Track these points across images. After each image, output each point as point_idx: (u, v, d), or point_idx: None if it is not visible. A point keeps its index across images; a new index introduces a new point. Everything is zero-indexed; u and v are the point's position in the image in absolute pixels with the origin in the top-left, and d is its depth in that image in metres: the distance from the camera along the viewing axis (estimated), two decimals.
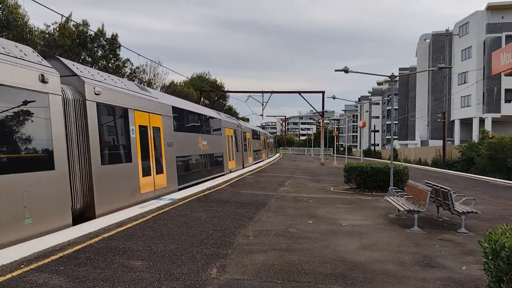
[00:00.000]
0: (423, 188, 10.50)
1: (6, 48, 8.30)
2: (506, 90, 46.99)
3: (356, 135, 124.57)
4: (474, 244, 8.09)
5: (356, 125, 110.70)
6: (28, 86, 8.32)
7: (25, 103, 8.33)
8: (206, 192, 14.97)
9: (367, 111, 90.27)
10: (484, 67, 47.87)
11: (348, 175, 17.92)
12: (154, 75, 47.17)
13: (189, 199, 13.24)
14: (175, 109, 17.31)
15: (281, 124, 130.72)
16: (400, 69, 78.76)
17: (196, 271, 6.12)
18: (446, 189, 9.97)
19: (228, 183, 18.57)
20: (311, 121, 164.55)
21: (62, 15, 24.38)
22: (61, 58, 10.95)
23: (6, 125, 7.79)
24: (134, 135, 13.06)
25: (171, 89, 48.39)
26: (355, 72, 17.09)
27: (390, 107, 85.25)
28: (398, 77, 22.69)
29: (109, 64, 38.12)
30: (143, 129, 13.74)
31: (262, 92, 47.40)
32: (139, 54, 44.13)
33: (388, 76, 16.00)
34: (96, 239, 7.72)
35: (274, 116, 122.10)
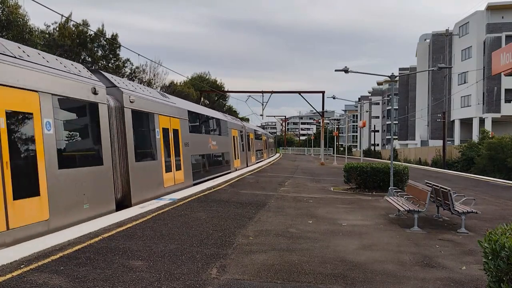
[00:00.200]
0: (423, 188, 10.50)
1: (67, 67, 10.18)
2: (506, 90, 46.99)
3: (356, 135, 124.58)
4: (474, 244, 8.09)
5: (356, 125, 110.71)
6: (84, 98, 10.35)
7: (83, 111, 10.44)
8: (206, 192, 14.97)
9: (367, 111, 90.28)
10: (484, 67, 47.87)
11: (348, 175, 17.92)
12: (154, 75, 47.17)
13: (189, 199, 13.24)
14: (189, 113, 19.19)
15: (281, 124, 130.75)
16: (400, 69, 78.76)
17: (196, 271, 6.12)
18: (446, 189, 9.97)
19: (228, 183, 18.57)
20: (311, 121, 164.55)
21: (62, 15, 24.41)
22: (103, 72, 13.16)
23: (71, 129, 10.00)
24: (159, 136, 15.00)
25: (171, 89, 48.38)
26: (355, 72, 17.09)
27: (390, 107, 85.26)
28: (398, 77, 22.70)
29: (109, 64, 38.11)
30: (165, 131, 15.61)
31: (262, 92, 47.42)
32: (139, 54, 44.17)
33: (388, 76, 16.00)
34: (96, 239, 7.72)
35: (274, 116, 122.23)
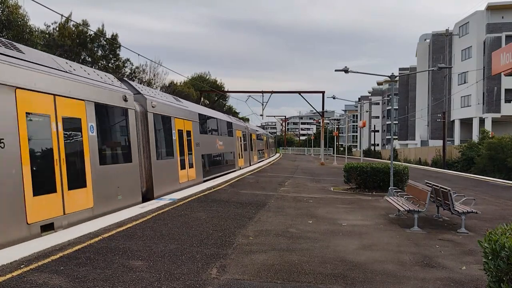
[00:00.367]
0: (423, 188, 10.50)
1: (103, 78, 11.93)
2: (506, 90, 46.98)
3: (356, 135, 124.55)
4: (474, 244, 8.09)
5: (356, 125, 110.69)
6: (117, 104, 12.02)
7: (116, 116, 12.16)
8: (206, 192, 14.97)
9: (367, 111, 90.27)
10: (484, 67, 47.86)
11: (348, 175, 17.92)
12: (154, 75, 47.18)
13: (189, 199, 13.24)
14: (200, 115, 20.82)
15: (281, 124, 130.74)
16: (400, 69, 78.74)
17: (196, 271, 6.12)
18: (446, 189, 9.97)
19: (228, 183, 18.57)
20: (311, 121, 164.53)
21: (62, 15, 24.39)
22: (128, 81, 14.98)
23: (109, 131, 11.74)
24: (175, 137, 16.64)
25: (171, 89, 48.37)
26: (355, 72, 17.09)
27: (390, 107, 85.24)
28: (398, 77, 22.70)
29: (109, 64, 38.11)
30: (180, 133, 17.26)
31: (262, 92, 47.41)
32: (139, 54, 44.20)
33: (388, 76, 16.00)
34: (96, 239, 7.72)
35: (274, 116, 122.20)
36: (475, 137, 44.81)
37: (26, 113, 8.28)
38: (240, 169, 29.69)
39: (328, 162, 45.45)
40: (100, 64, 37.29)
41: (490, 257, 4.19)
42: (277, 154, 71.32)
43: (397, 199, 11.57)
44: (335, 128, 69.37)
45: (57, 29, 34.63)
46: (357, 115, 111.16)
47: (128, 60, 40.75)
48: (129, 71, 41.76)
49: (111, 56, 38.46)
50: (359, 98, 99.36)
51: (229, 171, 26.09)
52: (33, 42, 26.57)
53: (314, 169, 33.62)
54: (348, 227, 9.68)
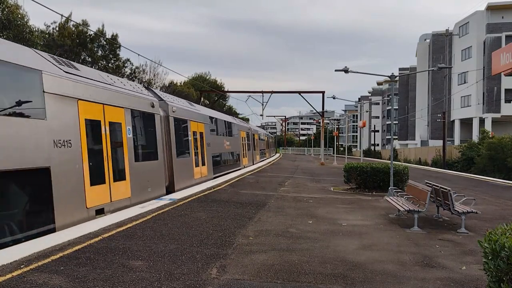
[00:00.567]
0: (423, 188, 10.50)
1: (134, 88, 13.99)
2: (506, 90, 46.97)
3: (356, 135, 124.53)
4: (474, 244, 8.09)
5: (356, 125, 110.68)
6: (147, 110, 13.94)
7: (146, 120, 14.04)
8: (206, 192, 14.97)
9: (367, 111, 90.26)
10: (484, 67, 47.86)
11: (348, 175, 17.91)
12: (154, 75, 47.18)
13: (189, 199, 13.24)
14: (210, 118, 22.89)
15: (281, 124, 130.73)
16: (400, 69, 78.74)
17: (196, 271, 6.12)
18: (446, 189, 9.97)
19: (228, 183, 18.57)
20: (311, 121, 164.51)
21: (62, 15, 24.38)
22: (152, 89, 16.99)
23: (141, 133, 13.65)
24: (190, 138, 18.54)
25: (171, 89, 48.37)
26: (355, 72, 17.09)
27: (390, 107, 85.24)
28: (398, 77, 22.69)
29: (109, 64, 38.11)
30: (194, 134, 19.16)
31: (262, 92, 47.41)
32: (139, 54, 44.28)
33: (388, 76, 16.00)
34: (96, 239, 7.72)
35: (274, 116, 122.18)
36: (475, 137, 44.81)
37: (85, 119, 10.20)
38: (244, 167, 31.17)
39: (328, 162, 45.45)
40: (100, 64, 37.29)
41: (490, 257, 4.19)
42: (277, 154, 71.32)
43: (397, 199, 11.57)
44: (335, 128, 69.40)
45: (57, 29, 34.63)
46: (357, 115, 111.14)
47: (128, 60, 40.78)
48: (129, 71, 41.77)
49: (111, 56, 38.46)
50: (359, 98, 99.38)
51: (235, 169, 27.74)
52: (33, 42, 26.56)
53: (314, 169, 33.62)
54: (348, 227, 9.68)
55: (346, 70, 16.69)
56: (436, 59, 59.20)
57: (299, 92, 46.14)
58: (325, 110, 46.72)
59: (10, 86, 8.23)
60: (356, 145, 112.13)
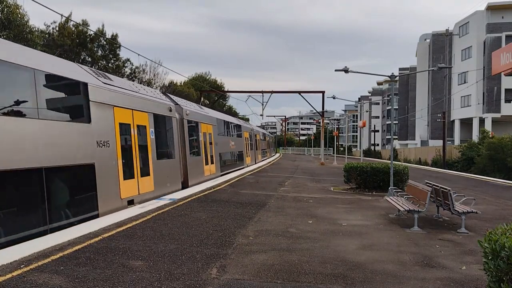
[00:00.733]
0: (423, 188, 10.49)
1: (154, 94, 15.74)
2: (506, 90, 46.96)
3: (356, 135, 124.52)
4: (474, 244, 8.09)
5: (356, 125, 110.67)
6: (165, 114, 15.75)
7: (165, 123, 15.79)
8: (206, 192, 14.97)
9: (367, 111, 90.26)
10: (484, 67, 47.85)
11: (348, 175, 17.91)
12: (154, 75, 47.18)
13: (189, 199, 13.24)
14: (217, 120, 24.72)
15: (281, 124, 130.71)
16: (400, 69, 78.71)
17: (196, 271, 6.12)
18: (446, 189, 9.97)
19: (228, 183, 18.57)
20: (311, 121, 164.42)
21: (62, 15, 24.34)
22: (168, 94, 18.84)
23: (161, 134, 15.28)
24: (201, 138, 20.32)
25: (171, 89, 48.36)
26: (355, 72, 17.09)
27: (390, 107, 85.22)
28: (398, 77, 22.70)
29: (109, 64, 38.10)
30: (204, 135, 21.06)
31: (262, 92, 47.39)
32: (139, 54, 44.33)
33: (388, 76, 16.00)
34: (96, 239, 7.71)
35: (274, 116, 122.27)
36: (475, 137, 44.80)
37: (119, 123, 11.87)
38: (248, 166, 32.87)
39: (328, 162, 45.45)
40: (100, 64, 37.29)
41: (490, 257, 4.19)
42: (277, 154, 71.33)
43: (397, 199, 11.57)
44: (335, 128, 69.45)
45: (57, 29, 34.62)
46: (357, 115, 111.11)
47: (128, 60, 40.79)
48: (129, 71, 41.77)
49: (111, 56, 38.46)
50: (359, 98, 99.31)
51: (239, 167, 29.64)
52: (33, 42, 26.56)
53: (314, 169, 33.62)
54: (348, 227, 9.67)
55: (346, 70, 16.69)
56: (436, 59, 59.18)
57: (299, 92, 46.14)
58: (325, 110, 46.70)
59: (66, 96, 10.12)
60: (356, 145, 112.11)
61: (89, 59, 36.54)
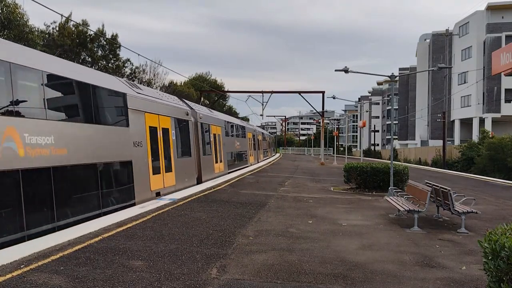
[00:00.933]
0: (423, 188, 10.49)
1: (174, 99, 18.17)
2: (506, 90, 46.94)
3: (356, 135, 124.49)
4: (474, 244, 8.08)
5: (356, 125, 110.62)
6: (183, 117, 17.82)
7: (183, 125, 17.78)
8: (206, 192, 14.97)
9: (367, 111, 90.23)
10: (484, 67, 47.84)
11: (348, 175, 17.91)
12: (154, 75, 47.20)
13: (189, 199, 13.24)
14: (225, 122, 27.05)
15: (281, 124, 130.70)
16: (400, 69, 78.71)
17: (196, 271, 6.12)
18: (446, 189, 9.97)
19: (228, 183, 18.58)
20: (311, 121, 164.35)
21: (62, 15, 24.35)
22: (184, 99, 21.36)
23: (181, 136, 17.36)
24: (212, 139, 22.43)
25: (171, 89, 48.36)
26: (355, 72, 17.09)
27: (390, 107, 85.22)
28: (398, 77, 22.71)
29: (109, 64, 38.11)
30: (214, 136, 23.06)
31: (262, 92, 47.38)
32: (139, 54, 44.30)
33: (388, 76, 16.00)
34: (96, 239, 7.71)
35: (274, 116, 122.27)
36: (475, 137, 44.79)
37: (149, 126, 13.88)
38: (251, 165, 34.81)
39: (328, 162, 45.45)
40: (100, 64, 37.29)
41: (490, 257, 4.19)
42: (277, 154, 71.33)
43: (397, 199, 11.57)
44: (335, 128, 69.46)
45: (57, 29, 34.62)
46: (357, 115, 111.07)
47: (128, 60, 40.80)
48: (129, 71, 41.78)
49: (111, 56, 38.47)
50: (359, 98, 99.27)
51: (243, 166, 31.59)
52: (33, 42, 26.56)
53: (314, 169, 33.62)
54: (348, 227, 9.68)
55: (346, 70, 16.70)
56: (436, 59, 59.17)
57: (299, 92, 46.15)
58: (325, 110, 46.71)
59: (113, 106, 12.29)
60: (356, 145, 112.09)
61: (89, 59, 36.55)
